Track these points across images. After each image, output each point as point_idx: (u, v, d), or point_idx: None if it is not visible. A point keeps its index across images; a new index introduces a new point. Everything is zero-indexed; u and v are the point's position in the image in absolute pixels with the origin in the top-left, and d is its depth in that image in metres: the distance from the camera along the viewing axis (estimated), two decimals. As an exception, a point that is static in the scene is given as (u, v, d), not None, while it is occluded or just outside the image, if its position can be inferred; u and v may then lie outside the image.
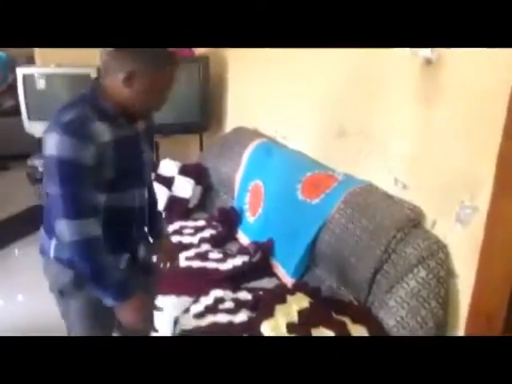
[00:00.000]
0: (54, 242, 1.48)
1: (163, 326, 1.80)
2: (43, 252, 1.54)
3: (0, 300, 3.03)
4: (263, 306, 1.78)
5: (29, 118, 3.34)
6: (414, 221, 1.82)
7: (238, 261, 2.28)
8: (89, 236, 1.35)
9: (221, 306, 1.93)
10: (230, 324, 1.85)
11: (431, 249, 1.72)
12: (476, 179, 1.62)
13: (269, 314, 1.70)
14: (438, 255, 1.71)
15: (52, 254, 1.49)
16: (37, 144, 3.72)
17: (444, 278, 1.69)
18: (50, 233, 1.47)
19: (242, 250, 2.39)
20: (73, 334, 1.58)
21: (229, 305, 1.94)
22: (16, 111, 3.64)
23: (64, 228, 1.34)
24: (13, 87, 4.09)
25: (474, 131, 1.63)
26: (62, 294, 1.52)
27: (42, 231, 1.56)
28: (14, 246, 3.54)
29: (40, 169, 3.32)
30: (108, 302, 1.41)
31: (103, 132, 1.36)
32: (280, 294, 1.82)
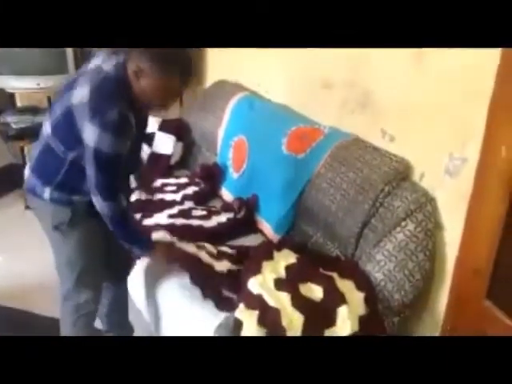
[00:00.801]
0: (49, 188, 1.61)
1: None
2: (35, 195, 1.66)
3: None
4: (250, 262, 1.76)
5: (-1, 72, 3.17)
6: (401, 174, 1.79)
7: (223, 218, 2.23)
8: (122, 211, 1.60)
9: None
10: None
11: (419, 201, 1.69)
12: (466, 130, 1.59)
13: (256, 270, 1.68)
14: (425, 208, 1.69)
15: (47, 196, 1.62)
16: (9, 99, 3.57)
17: (432, 230, 1.68)
18: (45, 180, 1.62)
19: (226, 207, 2.34)
20: (63, 270, 1.73)
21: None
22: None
23: (103, 207, 1.55)
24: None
25: (464, 80, 1.58)
26: (57, 229, 1.65)
27: (31, 177, 1.67)
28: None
29: (13, 125, 3.18)
30: (139, 252, 1.84)
31: (134, 125, 1.49)
32: (267, 251, 1.80)
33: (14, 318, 2.38)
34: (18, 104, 3.56)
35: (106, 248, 1.79)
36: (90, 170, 1.50)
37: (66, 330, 1.79)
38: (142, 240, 1.76)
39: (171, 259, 1.85)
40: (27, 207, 3.28)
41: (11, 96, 3.54)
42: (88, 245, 1.70)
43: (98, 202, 1.55)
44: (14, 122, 3.20)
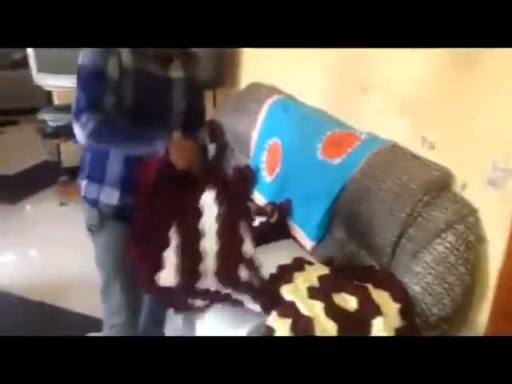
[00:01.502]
0: (84, 182, 1.61)
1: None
2: (80, 189, 1.68)
3: (13, 255, 3.03)
4: (280, 272, 1.72)
5: (38, 70, 3.23)
6: (442, 183, 1.73)
7: (255, 222, 2.21)
8: (97, 126, 1.42)
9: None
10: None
11: (460, 213, 1.63)
12: (511, 138, 1.52)
13: (288, 279, 1.65)
14: (467, 219, 1.62)
15: (82, 192, 1.64)
16: (46, 97, 3.63)
17: (473, 243, 1.61)
18: (83, 172, 1.63)
19: (259, 211, 2.32)
20: (100, 270, 1.70)
21: None
22: (24, 63, 3.53)
23: (77, 127, 1.43)
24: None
25: (509, 84, 1.51)
26: (89, 230, 1.66)
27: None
28: (26, 202, 3.51)
29: (50, 123, 3.23)
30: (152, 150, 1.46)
31: (127, 55, 1.40)
32: (298, 264, 1.76)
33: (44, 313, 2.41)
34: (56, 102, 3.62)
35: None
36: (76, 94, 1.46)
37: (104, 330, 1.79)
38: (148, 138, 1.48)
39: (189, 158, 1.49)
40: (62, 203, 3.33)
41: (49, 94, 3.61)
42: (114, 250, 1.66)
43: (76, 129, 1.46)
44: (51, 119, 3.25)
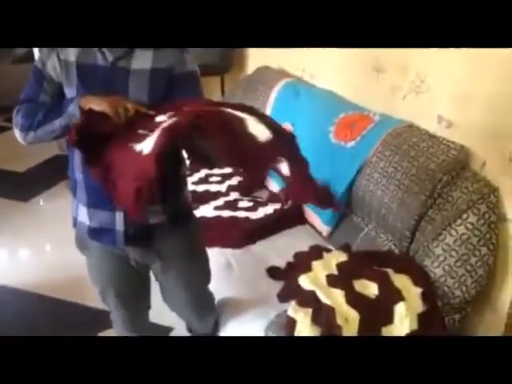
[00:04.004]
0: (74, 201, 1.48)
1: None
2: None
3: (27, 250, 3.03)
4: (298, 261, 1.70)
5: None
6: (461, 162, 1.68)
7: (270, 209, 2.18)
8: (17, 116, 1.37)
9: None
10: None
11: (481, 192, 1.59)
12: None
13: (306, 268, 1.62)
14: (488, 199, 1.58)
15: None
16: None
17: (495, 223, 1.57)
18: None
19: (273, 198, 2.29)
20: (93, 282, 1.62)
21: None
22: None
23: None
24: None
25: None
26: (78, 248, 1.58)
27: None
28: (39, 198, 3.50)
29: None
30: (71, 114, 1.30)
31: (71, 50, 1.34)
32: (315, 252, 1.73)
33: (60, 309, 2.42)
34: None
35: (120, 278, 1.56)
36: None
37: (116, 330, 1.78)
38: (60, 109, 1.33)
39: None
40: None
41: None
42: (100, 269, 1.56)
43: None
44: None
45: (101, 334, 2.11)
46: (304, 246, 1.88)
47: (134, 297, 1.62)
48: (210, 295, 1.71)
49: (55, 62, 1.35)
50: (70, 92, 1.36)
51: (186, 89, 1.40)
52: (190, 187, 2.20)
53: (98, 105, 1.26)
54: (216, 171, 2.58)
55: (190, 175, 2.47)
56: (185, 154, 1.48)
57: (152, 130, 1.19)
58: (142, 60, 1.36)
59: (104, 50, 1.33)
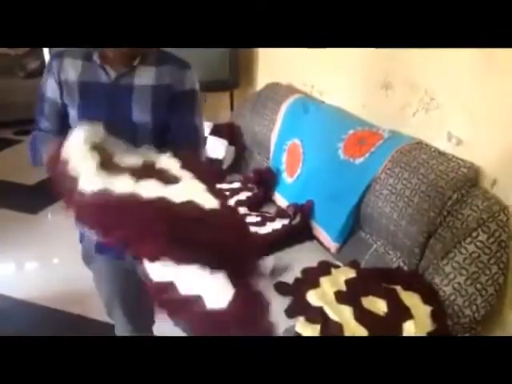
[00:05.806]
0: None
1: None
2: None
3: (35, 263, 3.04)
4: (307, 277, 1.69)
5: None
6: (471, 180, 1.67)
7: (278, 224, 2.18)
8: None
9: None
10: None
11: (491, 210, 1.58)
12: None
13: (314, 284, 1.61)
14: (498, 217, 1.57)
15: None
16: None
17: (506, 241, 1.56)
18: None
19: (281, 213, 2.29)
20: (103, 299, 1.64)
21: None
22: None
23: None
24: (37, 48, 3.99)
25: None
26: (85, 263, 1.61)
27: None
28: (48, 211, 3.52)
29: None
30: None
31: (71, 70, 1.36)
32: (324, 268, 1.73)
33: (67, 323, 2.41)
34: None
35: (127, 292, 1.58)
36: None
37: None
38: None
39: None
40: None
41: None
42: (106, 282, 1.58)
43: None
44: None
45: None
46: (312, 262, 1.87)
47: (140, 310, 1.61)
48: None
49: (53, 84, 1.40)
50: (72, 112, 1.40)
51: (183, 107, 1.42)
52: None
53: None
54: (224, 186, 2.59)
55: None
56: None
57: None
58: (145, 76, 1.38)
59: (106, 67, 1.36)
